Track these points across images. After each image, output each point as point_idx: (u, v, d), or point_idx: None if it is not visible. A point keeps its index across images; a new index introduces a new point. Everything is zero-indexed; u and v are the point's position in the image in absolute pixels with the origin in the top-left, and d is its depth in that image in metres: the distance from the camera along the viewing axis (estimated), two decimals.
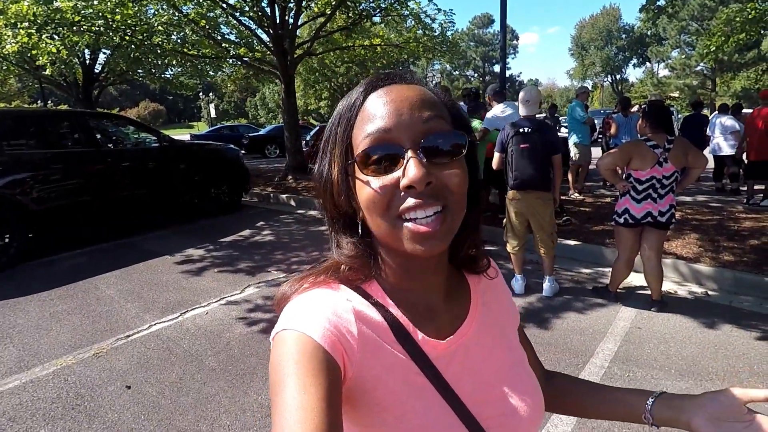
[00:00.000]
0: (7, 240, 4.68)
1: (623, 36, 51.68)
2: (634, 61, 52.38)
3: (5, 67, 11.60)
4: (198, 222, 6.57)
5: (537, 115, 3.66)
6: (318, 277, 0.56)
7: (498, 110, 4.87)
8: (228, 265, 4.62)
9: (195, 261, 4.78)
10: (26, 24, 6.92)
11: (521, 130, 3.49)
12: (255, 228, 6.19)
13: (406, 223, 0.49)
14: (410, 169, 0.47)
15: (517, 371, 0.63)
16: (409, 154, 0.48)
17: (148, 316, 3.45)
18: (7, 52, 7.23)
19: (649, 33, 44.78)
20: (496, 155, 3.67)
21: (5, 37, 6.90)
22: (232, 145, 8.30)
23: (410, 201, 0.48)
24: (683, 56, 38.40)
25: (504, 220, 3.82)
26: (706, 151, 6.95)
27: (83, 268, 4.58)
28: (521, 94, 3.59)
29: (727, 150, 7.39)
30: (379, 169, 0.49)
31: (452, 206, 0.50)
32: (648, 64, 50.51)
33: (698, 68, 35.95)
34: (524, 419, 0.59)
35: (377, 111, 0.50)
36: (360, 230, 0.56)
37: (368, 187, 0.50)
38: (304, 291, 0.55)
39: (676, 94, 34.53)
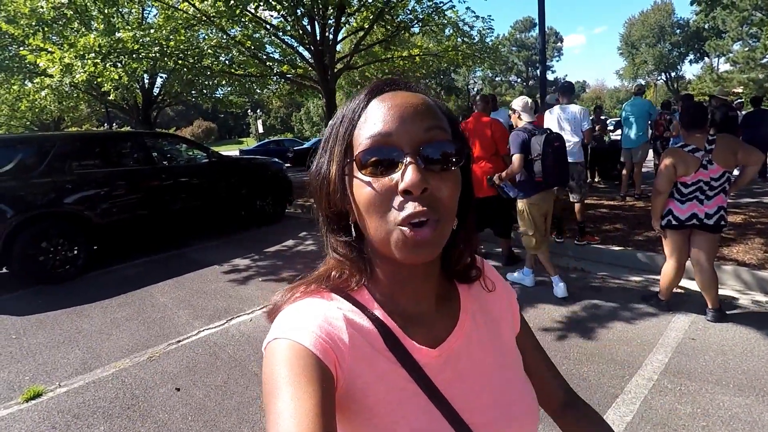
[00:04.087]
0: (75, 252, 5.11)
1: (677, 31, 48.84)
2: (691, 57, 49.32)
3: (76, 95, 12.68)
4: (244, 233, 6.85)
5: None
6: (309, 286, 0.57)
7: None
8: (272, 274, 4.78)
9: (241, 270, 4.99)
10: (93, 54, 7.56)
11: (548, 131, 3.58)
12: (298, 238, 6.38)
13: (400, 228, 0.48)
14: (408, 174, 0.47)
15: (508, 378, 0.62)
16: (408, 159, 0.48)
17: (197, 323, 3.64)
18: (77, 81, 7.90)
19: (706, 26, 42.12)
20: (517, 156, 3.56)
21: (76, 67, 7.55)
22: (276, 159, 8.61)
23: (407, 206, 0.48)
24: (746, 49, 35.73)
25: (521, 229, 3.81)
26: None
27: (141, 278, 4.90)
28: (523, 103, 3.71)
29: None
30: (377, 171, 0.50)
31: (443, 216, 0.50)
32: (706, 59, 47.31)
33: (764, 60, 33.32)
34: (515, 426, 0.59)
35: (381, 114, 0.51)
36: (353, 232, 0.56)
37: (366, 187, 0.50)
38: (296, 300, 0.56)
39: (739, 90, 32.11)
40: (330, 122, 0.57)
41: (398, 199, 0.49)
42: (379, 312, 0.56)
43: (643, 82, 50.18)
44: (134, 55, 7.84)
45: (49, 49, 7.79)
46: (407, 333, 0.56)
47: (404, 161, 0.49)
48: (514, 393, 0.61)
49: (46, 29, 9.97)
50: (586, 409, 0.73)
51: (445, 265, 0.61)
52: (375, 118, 0.51)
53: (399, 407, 0.53)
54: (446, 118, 0.55)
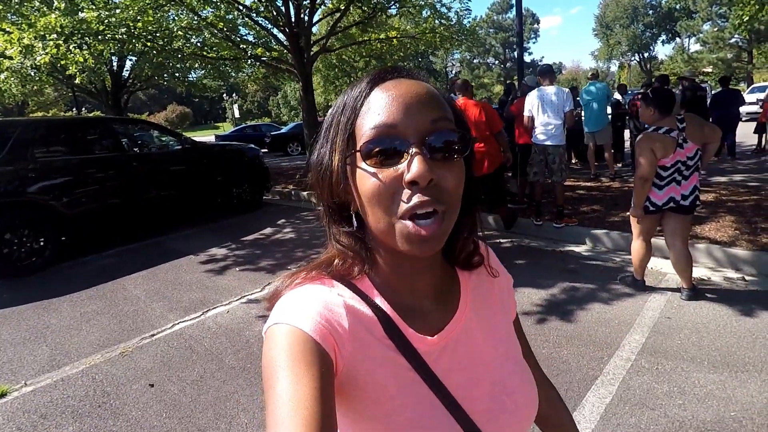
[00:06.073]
0: (42, 243, 4.89)
1: (650, 12, 49.53)
2: (663, 37, 50.18)
3: (38, 78, 12.07)
4: (221, 221, 6.68)
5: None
6: (310, 272, 0.56)
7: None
8: (250, 264, 4.68)
9: (218, 260, 4.87)
10: (54, 36, 7.15)
11: None
12: (276, 226, 6.26)
13: (405, 221, 0.48)
14: (415, 165, 0.47)
15: (507, 366, 0.63)
16: (415, 149, 0.48)
17: (172, 315, 3.53)
18: (39, 63, 7.48)
19: (678, 7, 42.86)
20: None
21: (36, 49, 7.14)
22: (253, 145, 8.41)
23: (413, 198, 0.47)
24: (716, 29, 36.57)
25: None
26: None
27: (112, 269, 4.73)
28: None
29: None
30: (382, 162, 0.49)
31: (449, 208, 0.50)
32: (678, 39, 48.30)
33: (732, 40, 34.14)
34: (514, 413, 0.59)
35: (385, 103, 0.50)
36: (354, 222, 0.56)
37: (371, 178, 0.49)
38: (296, 286, 0.55)
39: (709, 69, 32.85)
40: (330, 111, 0.56)
41: (403, 190, 0.48)
42: (379, 300, 0.56)
43: (617, 64, 50.89)
44: (99, 37, 7.46)
45: (7, 29, 7.35)
46: (407, 321, 0.56)
47: (410, 151, 0.48)
48: (513, 381, 0.61)
49: (2, 7, 9.39)
50: (556, 403, 0.77)
51: (447, 252, 0.62)
52: (378, 108, 0.50)
53: (398, 395, 0.53)
54: (450, 106, 0.54)
